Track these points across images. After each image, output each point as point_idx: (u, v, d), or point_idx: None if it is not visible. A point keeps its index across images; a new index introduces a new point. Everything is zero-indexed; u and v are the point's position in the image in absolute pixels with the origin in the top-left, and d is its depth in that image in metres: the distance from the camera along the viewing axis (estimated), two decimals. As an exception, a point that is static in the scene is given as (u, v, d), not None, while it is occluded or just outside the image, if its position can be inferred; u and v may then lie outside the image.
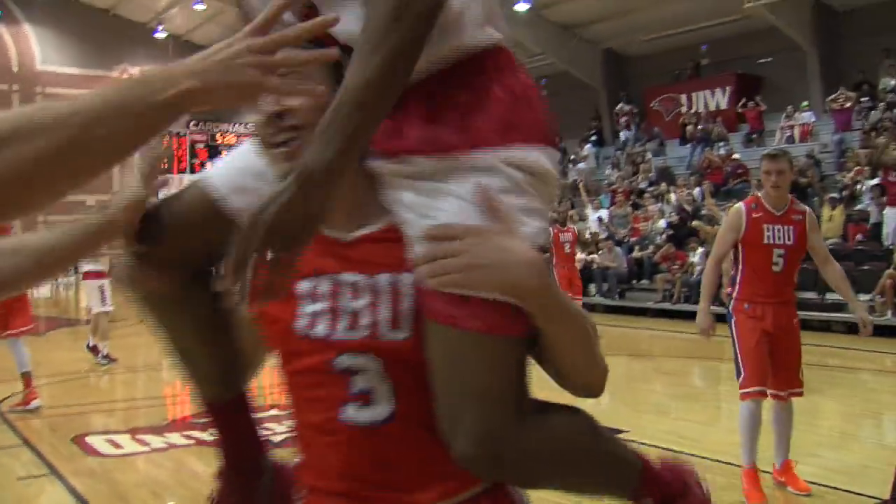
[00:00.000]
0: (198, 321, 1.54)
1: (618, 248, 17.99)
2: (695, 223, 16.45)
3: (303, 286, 1.37)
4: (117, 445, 6.79)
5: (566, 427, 1.36)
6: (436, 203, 1.28)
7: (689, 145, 21.66)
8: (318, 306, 1.36)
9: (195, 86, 1.06)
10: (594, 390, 1.43)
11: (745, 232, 5.36)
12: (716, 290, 5.70)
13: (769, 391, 5.24)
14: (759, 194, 5.51)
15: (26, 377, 8.32)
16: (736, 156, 19.38)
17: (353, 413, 1.34)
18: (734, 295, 5.47)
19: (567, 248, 12.78)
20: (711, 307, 5.53)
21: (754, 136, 20.67)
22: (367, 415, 1.33)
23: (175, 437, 6.94)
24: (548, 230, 1.38)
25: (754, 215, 5.35)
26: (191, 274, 1.50)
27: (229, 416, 1.60)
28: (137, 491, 5.67)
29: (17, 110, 0.99)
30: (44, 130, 0.96)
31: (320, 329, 1.35)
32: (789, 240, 5.31)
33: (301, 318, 1.37)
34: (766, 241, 5.31)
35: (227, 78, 1.08)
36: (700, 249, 15.80)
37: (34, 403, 8.26)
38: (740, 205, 5.57)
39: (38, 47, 27.32)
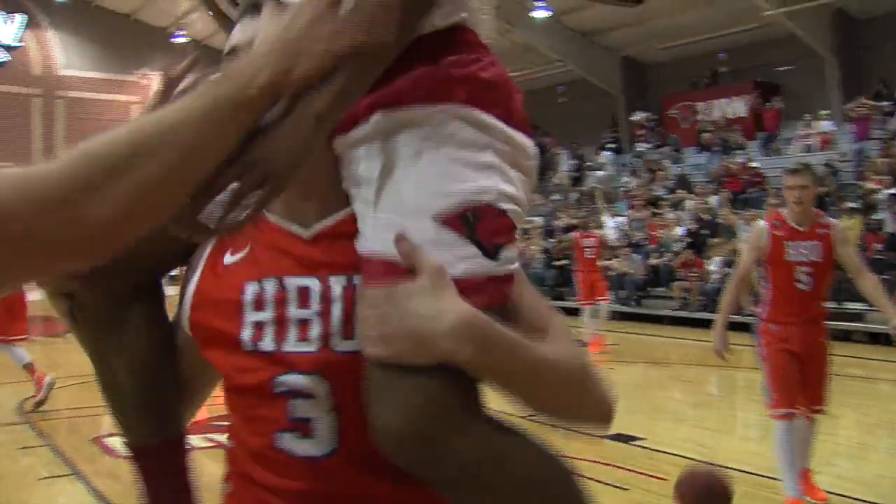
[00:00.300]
0: (131, 351, 1.34)
1: (635, 255, 17.98)
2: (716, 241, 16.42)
3: (248, 291, 1.23)
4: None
5: (523, 462, 1.10)
6: (382, 182, 1.11)
7: (706, 153, 21.62)
8: (262, 315, 1.22)
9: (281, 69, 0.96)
10: (595, 426, 1.26)
11: (768, 250, 5.24)
12: (735, 310, 5.63)
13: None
14: (783, 210, 5.37)
15: (29, 368, 8.51)
16: (754, 164, 19.33)
17: (289, 443, 1.19)
18: (761, 316, 5.38)
19: (589, 254, 12.81)
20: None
21: (772, 141, 20.60)
22: (305, 447, 1.19)
23: (194, 440, 6.95)
24: (522, 200, 1.14)
25: (776, 233, 5.23)
26: (130, 289, 1.33)
27: (155, 462, 1.41)
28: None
29: (117, 132, 0.92)
30: (154, 152, 0.91)
31: (267, 342, 1.20)
32: (815, 256, 5.16)
33: (245, 329, 1.22)
34: (789, 258, 5.18)
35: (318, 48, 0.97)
36: (717, 258, 15.78)
37: (46, 380, 8.46)
38: (762, 222, 5.45)
39: (60, 52, 27.53)
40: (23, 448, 7.22)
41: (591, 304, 12.72)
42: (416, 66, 1.12)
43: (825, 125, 19.55)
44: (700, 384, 10.69)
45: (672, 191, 20.41)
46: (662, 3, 19.75)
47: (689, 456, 6.32)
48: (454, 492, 1.07)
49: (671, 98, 24.00)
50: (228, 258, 1.29)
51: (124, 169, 0.89)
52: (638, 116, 23.74)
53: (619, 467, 6.32)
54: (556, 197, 23.39)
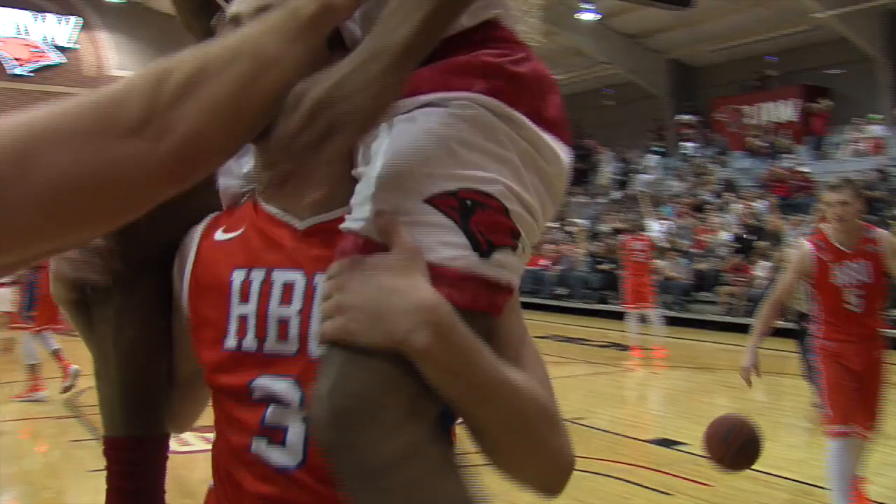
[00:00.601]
0: (123, 340, 1.31)
1: (681, 260, 17.85)
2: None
3: (235, 278, 1.19)
4: (185, 442, 6.94)
5: (432, 479, 0.97)
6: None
7: (754, 157, 21.40)
8: (246, 308, 1.18)
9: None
10: (544, 489, 1.12)
11: (813, 274, 4.98)
12: (770, 330, 5.30)
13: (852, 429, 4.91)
14: (825, 228, 5.04)
15: (57, 354, 8.82)
16: (802, 169, 19.09)
17: (263, 449, 1.16)
18: (816, 333, 5.17)
19: (638, 257, 12.70)
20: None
21: (821, 145, 20.33)
22: (277, 456, 1.15)
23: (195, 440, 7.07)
24: (535, 209, 1.04)
25: (821, 255, 4.93)
26: (135, 270, 1.31)
27: (126, 457, 1.35)
28: (204, 487, 5.80)
29: (183, 53, 0.90)
30: (226, 65, 0.89)
31: (249, 339, 1.17)
32: (865, 277, 4.89)
33: (231, 323, 1.19)
34: (837, 282, 4.91)
35: None
36: (765, 263, 15.61)
37: (72, 368, 8.86)
38: (805, 243, 5.14)
39: (113, 53, 27.97)
40: (74, 441, 7.38)
41: (637, 308, 12.65)
42: (441, 58, 1.04)
43: (876, 129, 19.24)
44: (746, 390, 10.55)
45: (718, 195, 20.22)
46: (711, 5, 19.56)
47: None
48: (351, 490, 0.96)
49: (718, 101, 23.78)
50: (220, 234, 1.27)
51: (196, 84, 0.87)
52: (686, 119, 23.56)
53: (662, 472, 6.29)
54: (601, 200, 23.30)
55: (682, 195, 20.99)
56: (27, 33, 25.77)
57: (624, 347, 13.20)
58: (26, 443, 7.91)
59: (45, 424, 8.30)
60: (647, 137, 24.66)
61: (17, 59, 25.39)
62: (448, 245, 0.98)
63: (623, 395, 10.57)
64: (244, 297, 1.18)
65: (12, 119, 0.80)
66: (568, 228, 21.82)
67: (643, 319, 12.72)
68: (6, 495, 6.29)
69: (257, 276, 1.19)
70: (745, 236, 17.19)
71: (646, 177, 23.06)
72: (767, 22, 20.54)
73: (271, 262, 1.19)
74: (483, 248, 0.99)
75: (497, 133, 1.02)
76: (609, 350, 13.60)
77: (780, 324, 5.53)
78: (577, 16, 21.25)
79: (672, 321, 16.74)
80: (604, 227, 20.54)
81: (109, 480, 1.35)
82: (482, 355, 0.99)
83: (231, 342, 1.19)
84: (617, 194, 23.16)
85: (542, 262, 20.74)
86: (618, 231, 17.62)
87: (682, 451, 6.94)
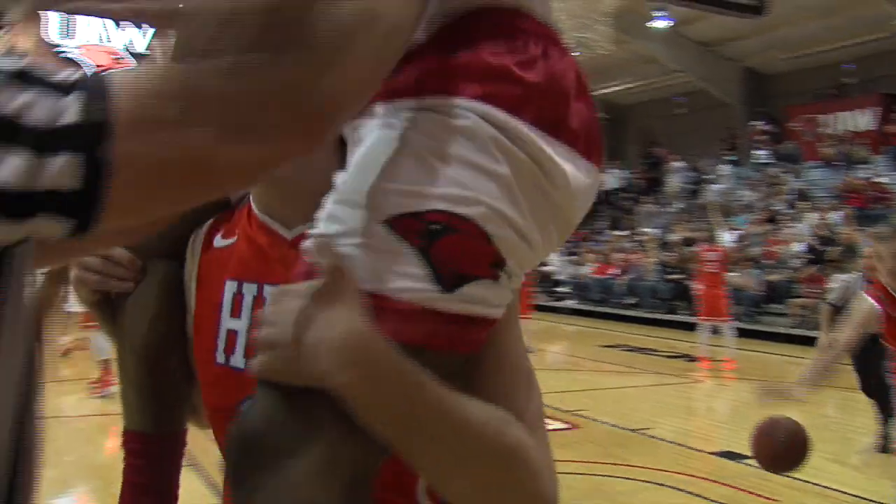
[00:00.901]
0: (142, 336, 1.29)
1: (752, 270, 17.57)
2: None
3: (227, 290, 1.14)
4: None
5: None
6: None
7: (828, 167, 20.98)
8: (237, 324, 1.13)
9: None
10: None
11: (882, 331, 4.57)
12: (825, 381, 4.88)
13: None
14: (882, 278, 4.59)
15: (105, 364, 9.05)
16: (880, 179, 18.64)
17: None
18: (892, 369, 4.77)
19: (712, 268, 12.55)
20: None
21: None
22: None
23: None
24: (528, 233, 0.90)
25: (889, 311, 4.50)
26: (147, 265, 1.29)
27: (141, 450, 1.35)
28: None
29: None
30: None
31: (238, 356, 1.12)
32: None
33: (220, 335, 1.14)
34: None
35: None
36: (839, 275, 15.27)
37: (110, 390, 8.91)
38: (869, 301, 4.67)
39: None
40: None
41: (710, 320, 12.50)
42: (437, 52, 0.92)
43: (959, 141, 18.72)
44: (817, 405, 10.32)
45: (791, 205, 19.87)
46: (786, 13, 19.22)
47: (800, 478, 6.17)
48: None
49: (793, 110, 23.35)
50: (219, 240, 1.23)
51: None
52: (760, 127, 23.20)
53: (726, 485, 6.23)
54: (671, 209, 23.07)
55: (755, 205, 20.66)
56: (109, 41, 26.57)
57: (692, 358, 13.06)
58: (98, 438, 8.13)
59: (117, 420, 8.52)
60: (719, 146, 24.34)
61: (98, 66, 26.20)
62: (402, 276, 0.86)
63: (690, 407, 10.46)
64: (235, 312, 1.14)
65: None
66: (637, 237, 21.66)
67: (715, 331, 12.56)
68: (79, 490, 6.50)
69: (249, 290, 1.13)
70: (818, 247, 16.86)
71: (717, 186, 22.76)
72: (845, 29, 20.12)
73: (263, 276, 1.13)
74: (448, 279, 0.86)
75: (489, 146, 0.88)
76: (677, 361, 13.46)
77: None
78: (650, 24, 21.07)
79: (742, 333, 16.50)
80: (674, 237, 20.33)
81: (124, 474, 1.36)
82: (425, 396, 0.87)
83: (220, 358, 1.15)
84: (687, 204, 22.91)
85: (611, 271, 20.61)
86: (687, 241, 17.43)
87: (747, 464, 6.83)
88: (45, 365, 0.84)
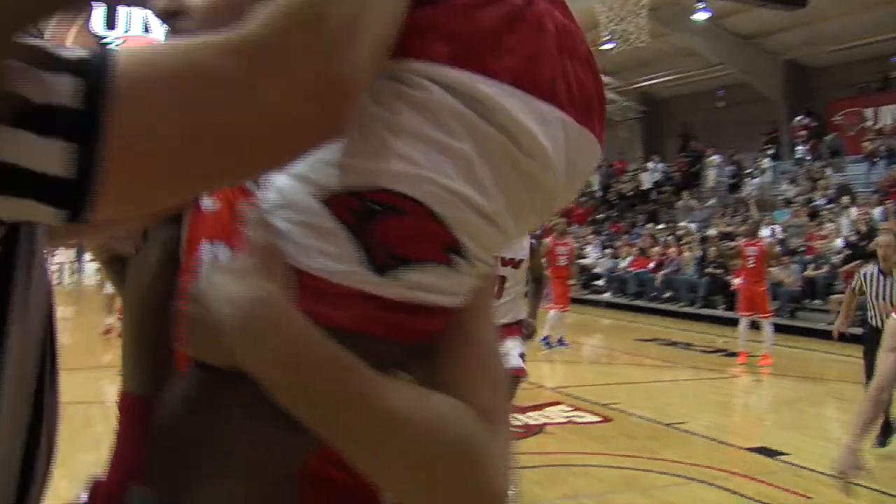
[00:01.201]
0: (139, 295, 1.29)
1: (792, 265, 17.39)
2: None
3: (204, 253, 1.04)
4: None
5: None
6: None
7: (871, 161, 20.68)
8: None
9: None
10: None
11: None
12: (874, 425, 4.67)
13: None
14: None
15: None
16: (924, 174, 18.36)
17: None
18: None
19: (751, 263, 12.43)
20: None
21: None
22: None
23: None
24: (490, 212, 0.83)
25: None
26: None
27: (132, 412, 1.31)
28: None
29: None
30: None
31: None
32: None
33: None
34: None
35: None
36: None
37: None
38: None
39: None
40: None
41: (750, 315, 12.40)
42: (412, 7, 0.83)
43: None
44: (858, 403, 10.28)
45: (832, 200, 19.63)
46: (829, 5, 19.00)
47: (835, 475, 6.13)
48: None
49: (837, 104, 23.04)
50: (207, 203, 1.17)
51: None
52: (802, 121, 22.92)
53: (761, 481, 6.20)
54: (710, 203, 22.90)
55: (795, 200, 20.44)
56: (150, 31, 26.88)
57: (729, 353, 12.96)
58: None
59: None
60: (760, 140, 24.09)
61: (140, 57, 26.54)
62: (332, 256, 0.81)
63: (726, 402, 10.39)
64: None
65: None
66: (675, 232, 21.52)
67: (754, 326, 12.46)
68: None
69: (224, 254, 1.04)
70: (859, 243, 16.64)
71: (757, 181, 22.55)
72: (890, 21, 19.82)
73: (239, 242, 1.04)
74: (381, 262, 0.81)
75: (447, 120, 0.80)
76: (714, 356, 13.38)
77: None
78: (692, 17, 20.88)
79: (780, 329, 16.36)
80: (712, 231, 20.18)
81: (114, 437, 1.33)
82: (352, 382, 0.80)
83: None
84: (727, 198, 22.71)
85: (649, 265, 20.51)
86: (725, 235, 17.28)
87: (782, 461, 6.81)
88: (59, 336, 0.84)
